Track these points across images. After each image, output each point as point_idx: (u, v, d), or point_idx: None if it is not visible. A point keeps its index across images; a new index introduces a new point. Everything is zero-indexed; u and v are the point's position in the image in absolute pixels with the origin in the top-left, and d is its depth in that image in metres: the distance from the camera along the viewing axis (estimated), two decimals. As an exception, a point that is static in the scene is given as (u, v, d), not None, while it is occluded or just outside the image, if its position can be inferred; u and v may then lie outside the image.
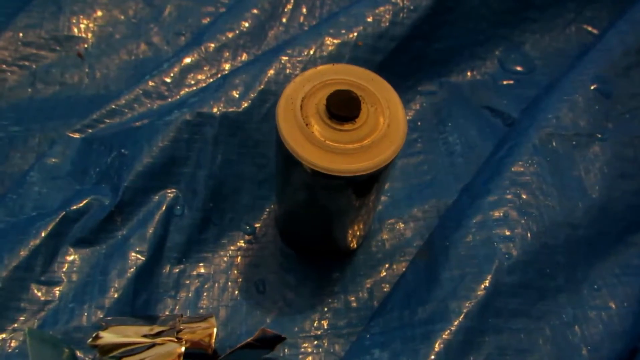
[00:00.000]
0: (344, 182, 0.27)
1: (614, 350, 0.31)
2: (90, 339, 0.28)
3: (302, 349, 0.34)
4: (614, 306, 0.32)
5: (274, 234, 0.38)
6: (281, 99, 0.28)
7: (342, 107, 0.27)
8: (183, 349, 0.27)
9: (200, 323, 0.30)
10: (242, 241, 0.38)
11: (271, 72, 0.39)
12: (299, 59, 0.39)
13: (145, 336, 0.28)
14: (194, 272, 0.36)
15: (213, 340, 0.30)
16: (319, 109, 0.27)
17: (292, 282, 0.36)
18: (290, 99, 0.28)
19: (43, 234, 0.33)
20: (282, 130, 0.27)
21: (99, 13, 0.48)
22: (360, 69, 0.29)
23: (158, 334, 0.28)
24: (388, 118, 0.27)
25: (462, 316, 0.29)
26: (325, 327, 0.34)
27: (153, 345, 0.27)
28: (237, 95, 0.38)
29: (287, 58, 0.39)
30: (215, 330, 0.30)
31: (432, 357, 0.28)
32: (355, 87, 0.28)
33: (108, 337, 0.28)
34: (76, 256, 0.34)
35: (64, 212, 0.34)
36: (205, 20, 0.48)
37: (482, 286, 0.30)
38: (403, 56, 0.43)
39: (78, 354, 0.31)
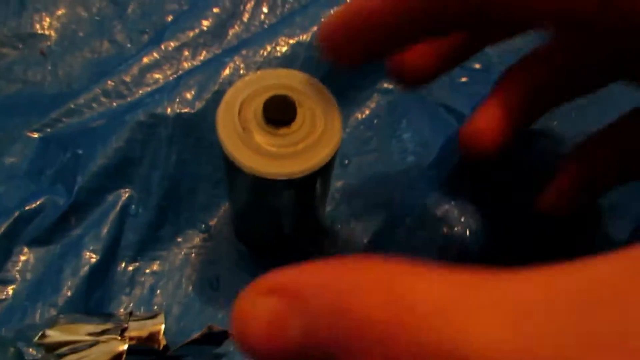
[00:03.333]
0: (281, 184, 0.28)
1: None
2: (37, 337, 0.29)
3: (252, 344, 0.35)
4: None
5: (229, 231, 0.39)
6: (221, 103, 0.28)
7: (278, 112, 0.27)
8: (126, 346, 0.28)
9: (149, 320, 0.32)
10: (197, 239, 0.39)
11: (225, 73, 0.39)
12: (254, 59, 0.40)
13: (90, 334, 0.29)
14: (148, 270, 0.37)
15: (161, 337, 0.31)
16: (257, 113, 0.28)
17: (246, 278, 0.37)
18: (230, 103, 0.28)
19: (-3, 234, 0.34)
20: (221, 135, 0.28)
21: (62, 10, 0.48)
22: (300, 73, 0.29)
23: (103, 332, 0.29)
24: (323, 123, 0.28)
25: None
26: (275, 322, 0.36)
27: (96, 343, 0.28)
28: (191, 97, 0.38)
29: (241, 59, 0.40)
30: (162, 326, 0.31)
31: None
32: (294, 91, 0.28)
33: (55, 335, 0.29)
34: (31, 255, 0.35)
35: (19, 212, 0.35)
36: (169, 18, 0.49)
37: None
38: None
39: (30, 351, 0.32)
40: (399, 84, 0.30)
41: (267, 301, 0.16)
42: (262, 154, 0.27)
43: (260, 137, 0.27)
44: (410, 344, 0.12)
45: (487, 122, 0.28)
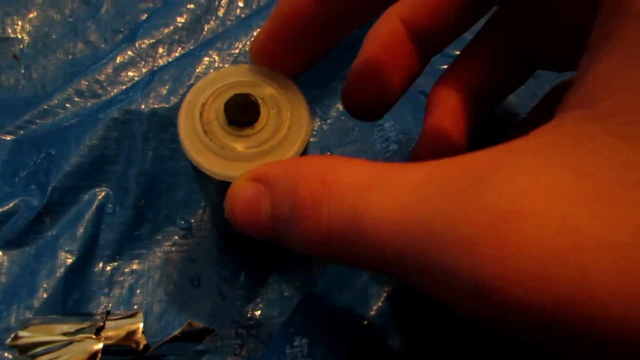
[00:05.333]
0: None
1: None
2: (9, 339, 0.28)
3: (236, 340, 0.34)
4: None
5: (210, 228, 0.38)
6: (182, 105, 0.27)
7: (240, 112, 0.26)
8: (100, 345, 0.27)
9: (127, 319, 0.31)
10: (177, 236, 0.38)
11: (201, 67, 0.39)
12: (229, 52, 0.39)
13: (65, 334, 0.28)
14: (128, 269, 0.36)
15: (139, 336, 0.30)
16: (219, 115, 0.26)
17: (227, 275, 0.36)
18: (191, 105, 0.27)
19: (-32, 238, 0.33)
20: (183, 138, 0.26)
21: (34, 13, 0.48)
22: (263, 68, 0.28)
23: (78, 332, 0.28)
24: (289, 120, 0.26)
25: (381, 301, 0.29)
26: (258, 317, 0.35)
27: (70, 342, 0.27)
28: (166, 92, 0.38)
29: (217, 52, 0.39)
30: (141, 325, 0.30)
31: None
32: (257, 88, 0.27)
33: (28, 336, 0.28)
34: (5, 258, 0.34)
35: (-9, 215, 0.34)
36: (143, 17, 0.48)
37: (403, 269, 0.30)
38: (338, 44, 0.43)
39: (5, 355, 0.31)
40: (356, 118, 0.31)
41: (250, 185, 0.21)
42: (225, 157, 0.25)
43: (224, 139, 0.26)
44: (329, 215, 0.17)
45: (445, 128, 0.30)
